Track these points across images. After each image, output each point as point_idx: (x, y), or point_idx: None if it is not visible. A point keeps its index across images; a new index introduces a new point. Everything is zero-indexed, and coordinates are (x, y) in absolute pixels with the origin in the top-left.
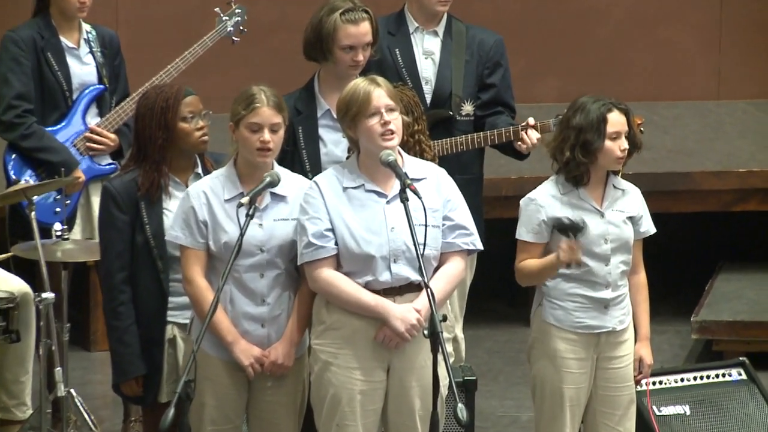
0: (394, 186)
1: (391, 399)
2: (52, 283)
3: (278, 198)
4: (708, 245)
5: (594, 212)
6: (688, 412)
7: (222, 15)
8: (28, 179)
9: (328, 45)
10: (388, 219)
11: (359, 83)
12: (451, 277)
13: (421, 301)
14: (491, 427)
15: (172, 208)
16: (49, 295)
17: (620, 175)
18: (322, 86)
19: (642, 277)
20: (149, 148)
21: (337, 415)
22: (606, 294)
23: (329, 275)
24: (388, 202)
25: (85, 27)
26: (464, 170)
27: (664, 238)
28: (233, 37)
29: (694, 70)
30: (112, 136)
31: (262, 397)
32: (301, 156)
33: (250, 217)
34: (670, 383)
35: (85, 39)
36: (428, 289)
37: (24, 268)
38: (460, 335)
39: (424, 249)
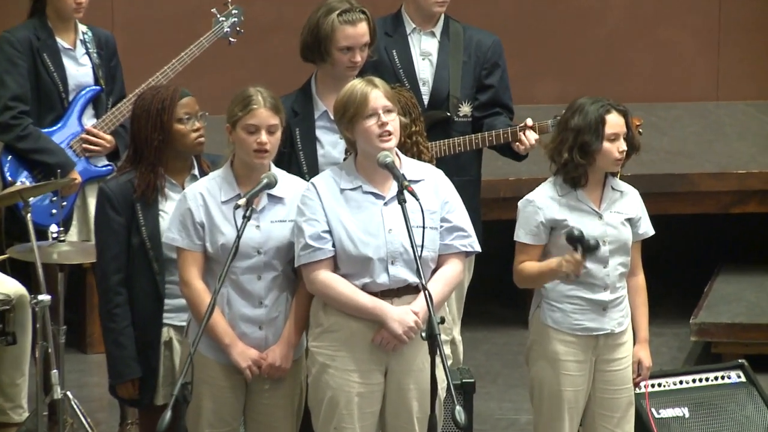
0: (392, 188)
1: (388, 401)
2: (48, 285)
3: (275, 200)
4: (707, 247)
5: (592, 214)
6: (687, 415)
7: (219, 16)
8: (24, 181)
9: (325, 46)
10: (385, 221)
11: (356, 84)
12: (449, 279)
13: (419, 303)
14: (489, 430)
15: (168, 209)
16: (45, 297)
17: (618, 176)
18: (320, 87)
19: (641, 279)
20: (145, 149)
21: (335, 418)
22: (604, 296)
23: (326, 277)
24: (385, 204)
25: (82, 28)
26: (462, 172)
27: (663, 240)
28: (230, 38)
29: (693, 72)
30: (109, 137)
31: (259, 399)
32: (298, 157)
33: (247, 218)
34: (668, 385)
35: (81, 40)
36: (426, 291)
37: (20, 270)
38: (458, 337)
39: (421, 251)
